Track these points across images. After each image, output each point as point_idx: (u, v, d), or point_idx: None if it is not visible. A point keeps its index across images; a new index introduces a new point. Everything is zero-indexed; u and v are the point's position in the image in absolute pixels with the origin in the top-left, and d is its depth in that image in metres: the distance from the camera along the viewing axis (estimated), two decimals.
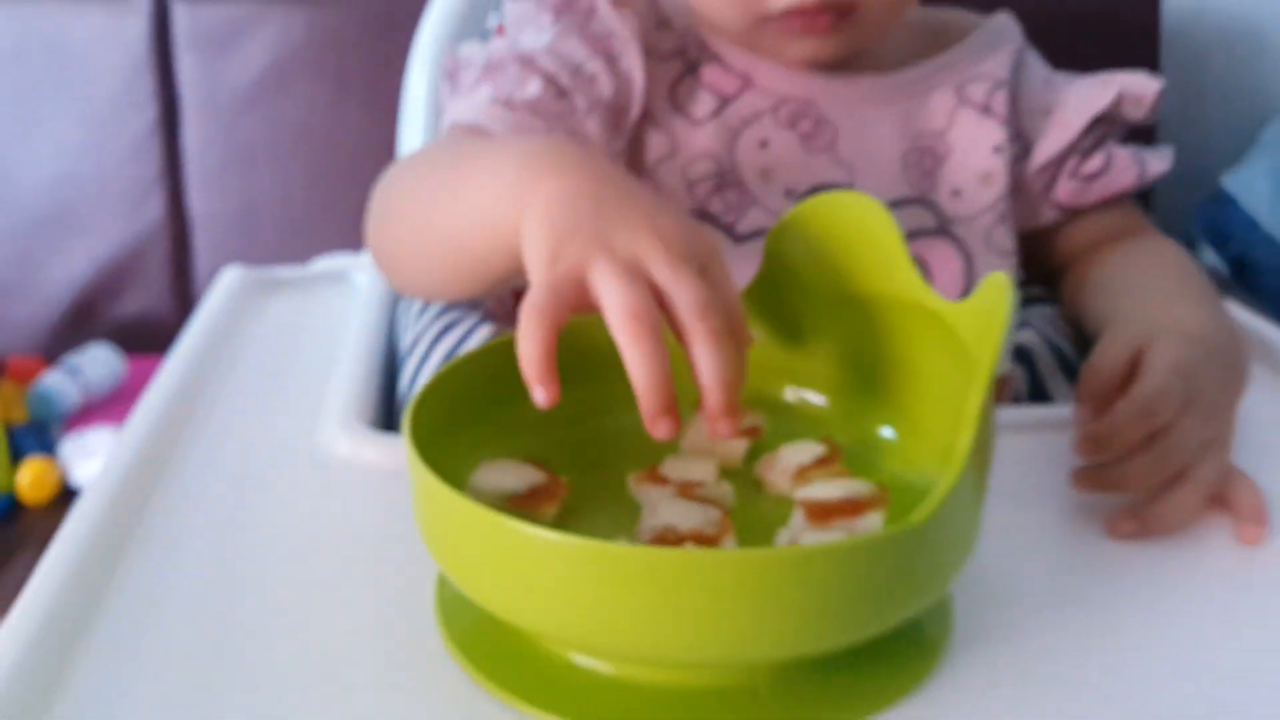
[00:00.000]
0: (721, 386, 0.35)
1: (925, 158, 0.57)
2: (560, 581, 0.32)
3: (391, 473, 0.45)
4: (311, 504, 0.45)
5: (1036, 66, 0.62)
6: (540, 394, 0.35)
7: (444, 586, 0.39)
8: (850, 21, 0.53)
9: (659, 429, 0.35)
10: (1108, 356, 0.44)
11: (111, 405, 1.27)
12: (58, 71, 1.41)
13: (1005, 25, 0.62)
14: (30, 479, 1.13)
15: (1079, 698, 0.35)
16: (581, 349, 0.42)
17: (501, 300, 0.59)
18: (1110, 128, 0.59)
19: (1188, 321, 0.48)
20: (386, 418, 0.55)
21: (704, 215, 0.55)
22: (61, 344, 1.43)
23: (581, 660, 0.35)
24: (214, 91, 1.42)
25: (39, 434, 1.21)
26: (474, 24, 0.79)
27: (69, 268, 1.44)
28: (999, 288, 0.34)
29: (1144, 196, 1.49)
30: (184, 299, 1.46)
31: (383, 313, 0.63)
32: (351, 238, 0.74)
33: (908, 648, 0.37)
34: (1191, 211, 1.50)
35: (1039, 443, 0.47)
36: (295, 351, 0.59)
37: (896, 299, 0.40)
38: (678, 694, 0.35)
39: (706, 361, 0.35)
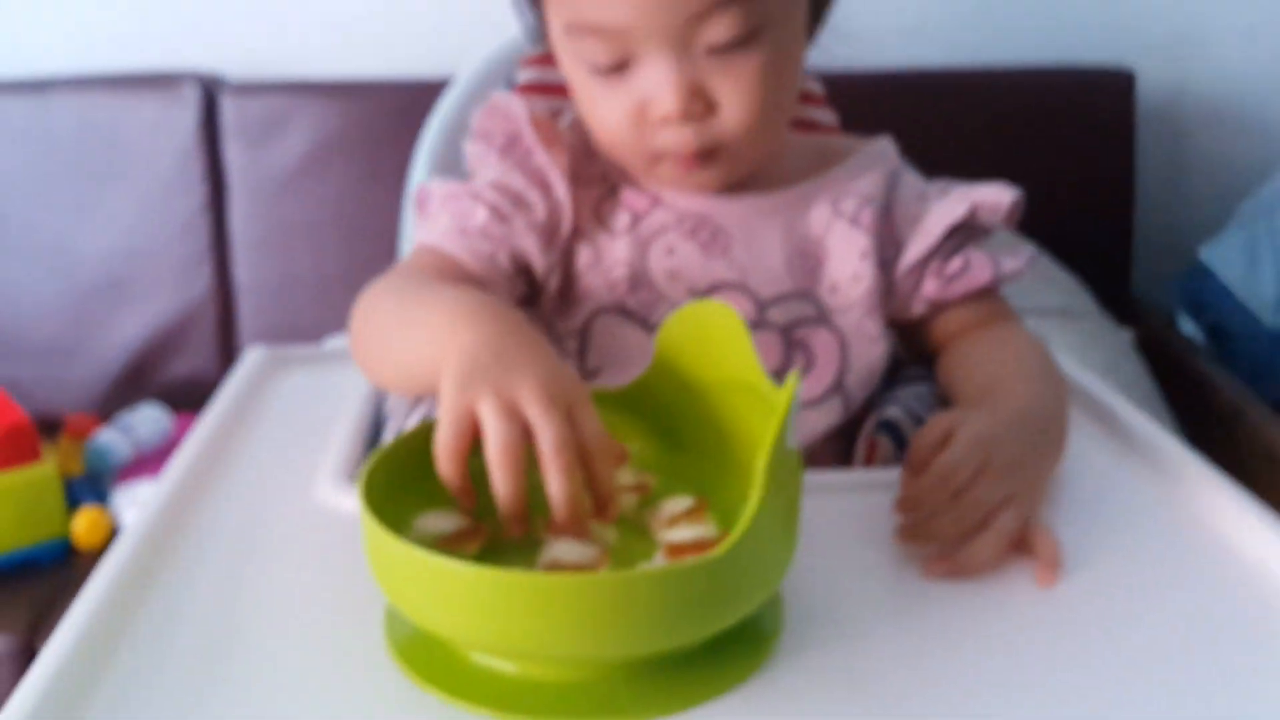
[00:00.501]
0: (565, 507, 0.46)
1: (807, 260, 0.68)
2: (464, 599, 0.42)
3: (355, 521, 0.56)
4: (304, 545, 0.55)
5: (912, 183, 0.71)
6: (456, 492, 0.47)
7: (390, 608, 0.49)
8: (718, 160, 0.63)
9: (512, 530, 0.46)
10: (924, 435, 0.54)
11: (160, 459, 1.38)
12: (115, 156, 1.54)
13: (883, 149, 0.72)
14: (84, 526, 1.24)
15: (887, 690, 0.45)
16: None
17: None
18: (969, 234, 0.68)
19: (1005, 400, 0.57)
20: None
21: (623, 311, 0.66)
22: (115, 403, 1.55)
23: (485, 661, 0.45)
24: (257, 175, 1.55)
25: (94, 485, 1.33)
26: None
27: (123, 333, 1.57)
28: (793, 379, 0.44)
29: (1125, 269, 1.57)
30: (228, 362, 1.58)
31: (371, 389, 0.73)
32: None
33: (741, 648, 0.46)
34: (1171, 282, 1.58)
35: (880, 501, 0.56)
36: (303, 419, 0.70)
37: (741, 382, 0.50)
38: (554, 686, 0.45)
39: (555, 488, 0.46)
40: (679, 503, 0.52)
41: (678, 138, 0.62)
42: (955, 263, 0.68)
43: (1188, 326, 1.53)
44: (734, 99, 0.61)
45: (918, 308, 0.69)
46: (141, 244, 1.55)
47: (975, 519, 0.51)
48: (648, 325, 0.66)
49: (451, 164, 0.96)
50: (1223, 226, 1.56)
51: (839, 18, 0.70)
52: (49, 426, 1.50)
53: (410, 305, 0.58)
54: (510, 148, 0.67)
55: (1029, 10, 1.60)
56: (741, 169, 0.66)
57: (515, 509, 0.46)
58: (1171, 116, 1.66)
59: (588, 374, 0.68)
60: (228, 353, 1.58)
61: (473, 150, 0.69)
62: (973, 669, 0.46)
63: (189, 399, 1.52)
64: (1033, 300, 1.37)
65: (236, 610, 0.50)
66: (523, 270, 0.67)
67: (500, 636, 0.43)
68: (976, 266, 0.68)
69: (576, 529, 0.46)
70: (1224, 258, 1.50)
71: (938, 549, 0.52)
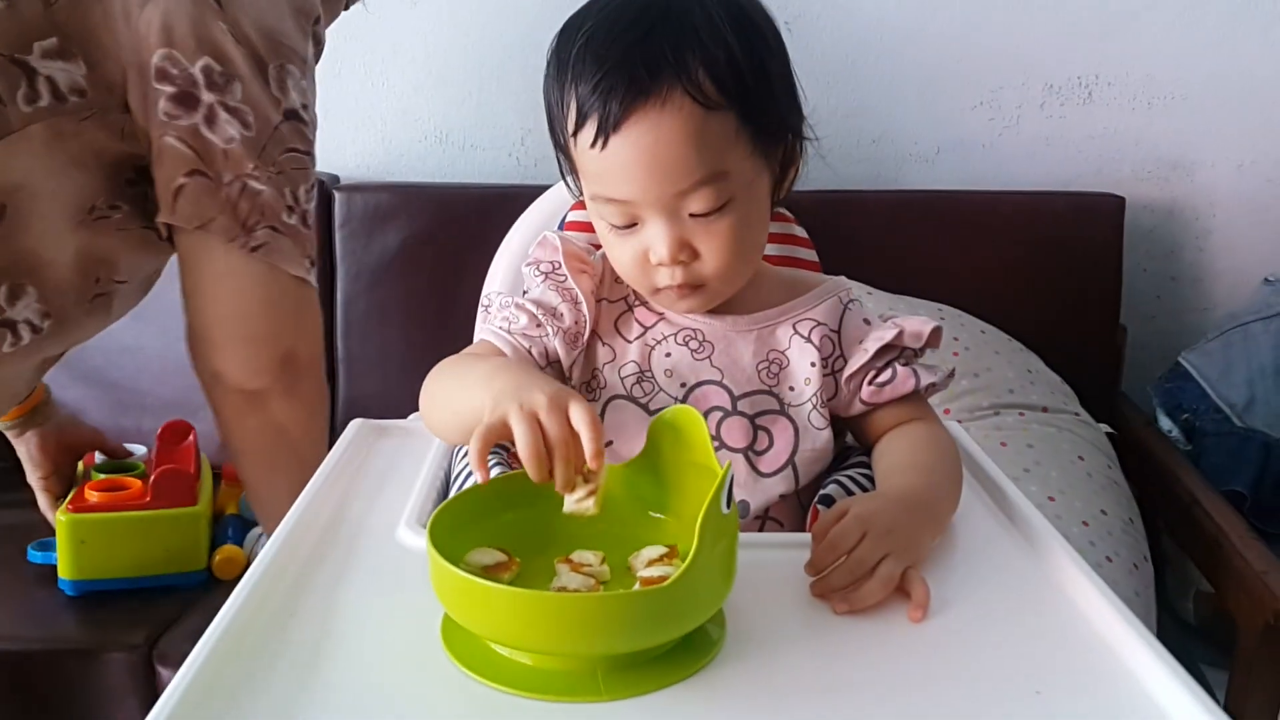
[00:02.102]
0: (564, 481, 0.69)
1: (771, 365, 0.88)
2: (499, 610, 0.64)
3: (423, 554, 0.78)
4: (386, 574, 0.76)
5: (858, 312, 0.91)
6: (478, 477, 0.69)
7: (446, 619, 0.71)
8: (702, 292, 0.85)
9: (539, 479, 0.68)
10: (826, 516, 0.74)
11: None
12: None
13: (838, 285, 0.92)
14: (221, 560, 1.46)
15: (798, 681, 0.64)
16: (535, 492, 0.75)
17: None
18: (899, 353, 0.88)
19: (893, 486, 0.78)
20: None
21: (629, 398, 0.88)
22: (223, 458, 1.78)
23: (511, 654, 0.67)
24: (361, 261, 1.79)
25: (241, 526, 1.53)
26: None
27: None
28: (726, 468, 0.66)
29: (1114, 371, 1.74)
30: (331, 425, 1.82)
31: (442, 452, 0.96)
32: None
33: (693, 651, 0.67)
34: (1153, 384, 1.74)
35: (800, 556, 0.76)
36: (390, 477, 0.91)
37: (702, 464, 0.72)
38: (559, 674, 0.64)
39: (558, 469, 0.69)
40: (655, 550, 0.73)
41: (669, 276, 0.84)
42: (885, 374, 0.88)
43: (1166, 424, 1.68)
44: (711, 250, 0.82)
45: (856, 407, 0.89)
46: None
47: (861, 573, 0.71)
48: (648, 410, 0.87)
49: (516, 279, 1.19)
50: (1202, 335, 1.74)
51: (866, 140, 0.90)
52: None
53: (464, 371, 0.83)
54: (552, 273, 0.90)
55: (1032, 141, 1.80)
56: (720, 297, 0.86)
57: (540, 475, 0.68)
58: (1160, 236, 1.83)
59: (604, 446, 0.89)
60: (330, 415, 1.82)
61: (525, 271, 0.93)
62: (859, 675, 0.65)
63: None
64: (1022, 397, 1.56)
65: (334, 620, 0.70)
66: (553, 363, 0.89)
67: (522, 637, 0.64)
68: (901, 378, 0.87)
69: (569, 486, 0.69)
70: (1202, 363, 1.67)
71: (839, 594, 0.72)
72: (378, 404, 1.69)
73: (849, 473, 0.88)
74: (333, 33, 1.85)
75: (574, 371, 0.91)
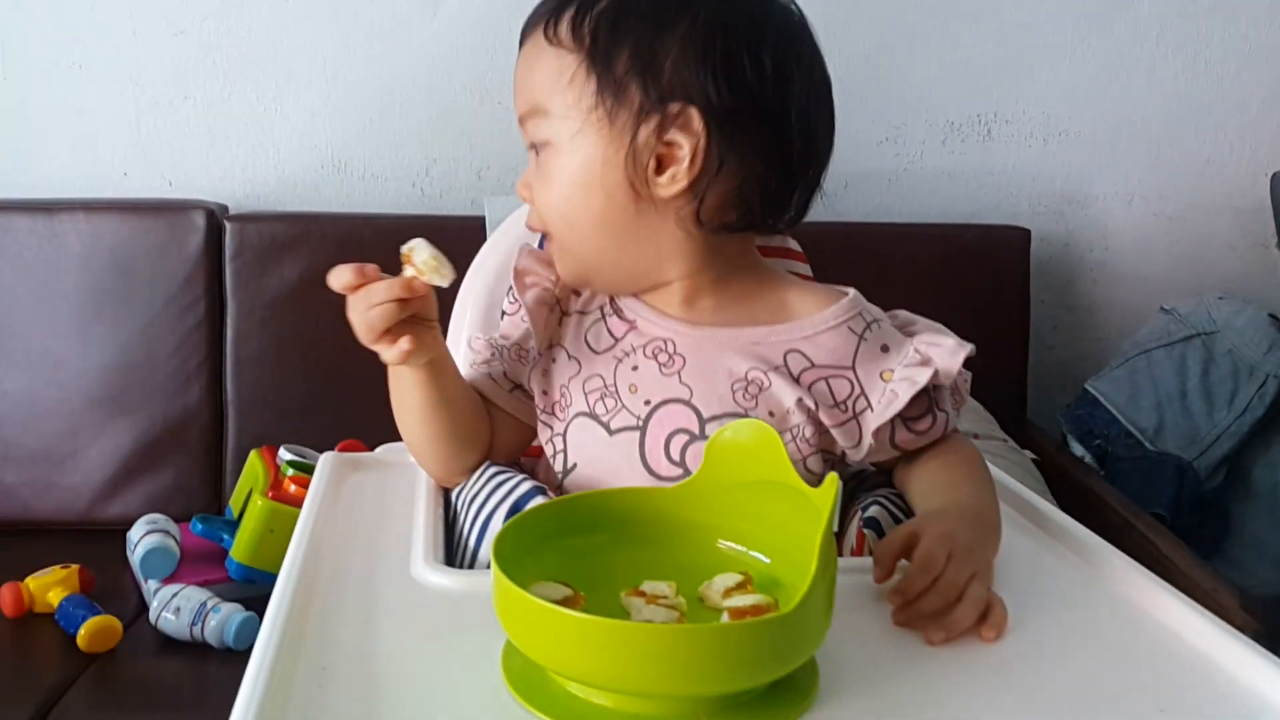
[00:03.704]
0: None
1: (751, 386, 0.79)
2: (586, 646, 0.57)
3: (452, 590, 0.71)
4: (412, 610, 0.69)
5: (878, 339, 0.82)
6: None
7: (509, 651, 0.64)
8: (552, 247, 0.83)
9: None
10: (887, 544, 0.70)
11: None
12: (121, 276, 1.65)
13: (850, 307, 0.83)
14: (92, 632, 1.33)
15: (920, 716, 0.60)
16: (588, 519, 0.69)
17: (546, 474, 0.85)
18: (931, 393, 0.82)
19: (958, 501, 0.75)
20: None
21: (591, 415, 0.81)
22: (102, 507, 1.63)
23: (585, 693, 0.59)
24: (254, 295, 1.68)
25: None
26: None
27: (116, 441, 1.64)
28: (832, 480, 0.61)
29: (1021, 399, 1.79)
30: (214, 470, 1.69)
31: (431, 489, 0.87)
32: (362, 425, 0.97)
33: (789, 695, 0.62)
34: (1062, 411, 1.79)
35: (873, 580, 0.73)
36: (376, 511, 0.84)
37: (778, 482, 0.67)
38: (639, 717, 0.59)
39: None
40: (729, 578, 0.67)
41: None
42: (924, 422, 0.82)
43: (1077, 449, 1.73)
44: (537, 192, 0.81)
45: (887, 453, 0.83)
46: (139, 358, 1.65)
47: (952, 596, 0.67)
48: (609, 429, 0.80)
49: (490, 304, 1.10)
50: (1105, 362, 1.80)
51: None
52: (36, 531, 1.58)
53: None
54: (510, 289, 0.86)
55: (935, 176, 1.84)
56: (567, 265, 0.83)
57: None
58: (1056, 268, 1.90)
59: (566, 470, 0.82)
60: (215, 461, 1.69)
61: (506, 307, 0.88)
62: (972, 703, 0.61)
63: (174, 504, 1.63)
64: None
65: (375, 672, 0.62)
66: (519, 386, 0.85)
67: (628, 677, 0.56)
68: (939, 423, 0.83)
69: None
70: (1109, 390, 1.72)
71: (930, 622, 0.67)
72: (275, 445, 1.57)
73: (882, 493, 0.84)
74: (222, 56, 1.74)
75: (535, 388, 0.85)
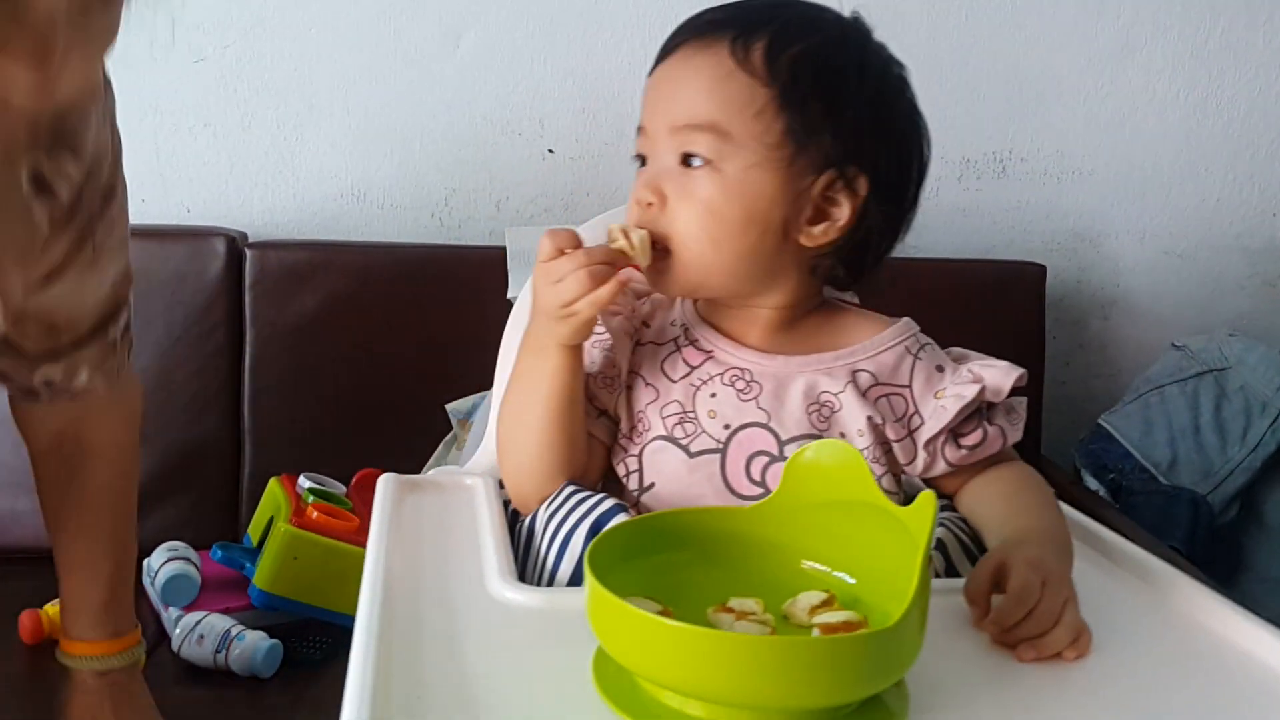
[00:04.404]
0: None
1: (823, 409, 0.82)
2: (685, 656, 0.57)
3: (533, 608, 0.71)
4: (494, 627, 0.69)
5: (931, 359, 0.85)
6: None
7: (599, 664, 0.63)
8: (667, 264, 0.81)
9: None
10: (975, 578, 0.71)
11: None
12: (140, 301, 1.62)
13: (905, 329, 0.87)
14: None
15: None
16: (670, 537, 0.69)
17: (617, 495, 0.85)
18: (981, 409, 0.84)
19: (1033, 525, 0.76)
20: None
21: (670, 439, 0.83)
22: None
23: (680, 704, 0.59)
24: (273, 323, 1.67)
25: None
26: None
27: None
28: (929, 499, 0.62)
29: (1035, 433, 1.80)
30: (231, 497, 1.68)
31: (494, 500, 0.87)
32: (378, 454, 0.97)
33: (879, 714, 0.62)
34: (1075, 446, 1.80)
35: (956, 602, 0.73)
36: (440, 531, 0.83)
37: (863, 502, 0.67)
38: None
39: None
40: (813, 596, 0.67)
41: (634, 216, 0.82)
42: (974, 436, 0.84)
43: (1091, 483, 1.75)
44: (679, 203, 0.79)
45: (940, 469, 0.84)
46: (156, 385, 1.61)
47: (1049, 624, 0.68)
48: (688, 451, 0.82)
49: None
50: (1116, 398, 1.82)
51: None
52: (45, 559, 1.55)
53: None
54: (605, 319, 0.86)
55: (950, 213, 1.86)
56: (686, 282, 0.82)
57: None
58: (1069, 305, 1.92)
59: (644, 489, 0.83)
60: (232, 489, 1.67)
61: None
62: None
63: (190, 531, 1.61)
64: None
65: (467, 690, 0.62)
66: (603, 412, 0.86)
67: (717, 686, 0.56)
68: (991, 438, 0.84)
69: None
70: (1122, 425, 1.74)
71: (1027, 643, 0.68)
72: (294, 474, 1.56)
73: (944, 516, 0.85)
74: (243, 84, 1.74)
75: (619, 414, 0.86)
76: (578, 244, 0.78)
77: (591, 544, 0.66)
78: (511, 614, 0.71)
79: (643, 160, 0.83)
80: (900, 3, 1.73)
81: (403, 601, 0.71)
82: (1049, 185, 1.86)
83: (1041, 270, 1.79)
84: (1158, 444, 1.69)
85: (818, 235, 0.81)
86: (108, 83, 0.92)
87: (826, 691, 0.58)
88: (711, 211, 0.79)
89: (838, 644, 0.57)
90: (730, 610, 0.66)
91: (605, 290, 0.77)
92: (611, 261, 0.78)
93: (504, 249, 1.66)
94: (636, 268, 0.82)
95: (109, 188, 0.93)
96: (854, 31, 0.83)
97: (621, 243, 0.79)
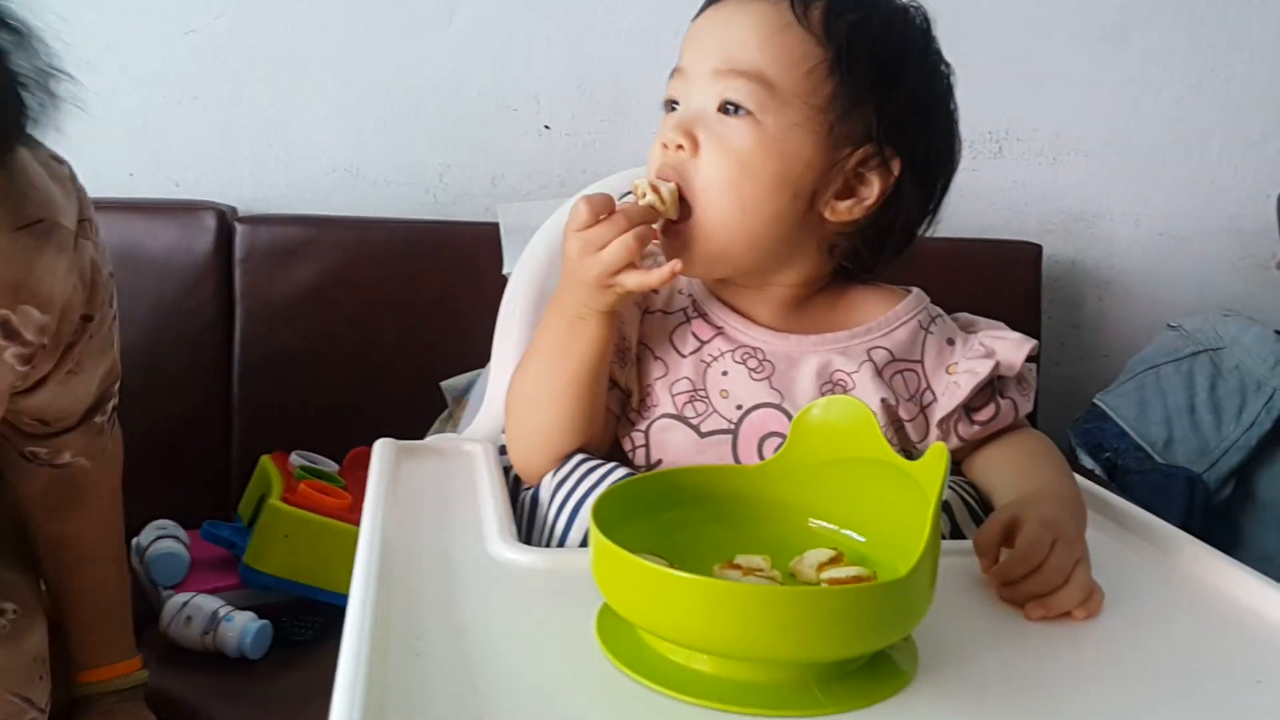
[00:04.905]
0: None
1: (836, 389, 0.81)
2: (693, 607, 0.56)
3: (536, 567, 0.70)
4: (496, 585, 0.68)
5: (943, 332, 0.85)
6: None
7: (603, 622, 0.62)
8: (685, 229, 0.79)
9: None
10: (986, 530, 0.70)
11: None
12: (127, 276, 1.57)
13: (916, 303, 0.86)
14: None
15: (1021, 686, 0.60)
16: (677, 495, 0.68)
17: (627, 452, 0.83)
18: (993, 382, 0.83)
19: (1047, 486, 0.75)
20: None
21: (680, 418, 0.81)
22: None
23: (685, 658, 0.58)
24: (263, 300, 1.63)
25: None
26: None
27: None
28: (940, 451, 0.60)
29: (1031, 414, 1.79)
30: (221, 472, 1.65)
31: (493, 465, 0.86)
32: (371, 432, 0.95)
33: (889, 669, 0.61)
34: (1070, 426, 1.79)
35: (963, 562, 0.73)
36: (438, 494, 0.82)
37: (872, 459, 0.66)
38: (743, 684, 0.57)
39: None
40: (821, 553, 0.66)
41: (660, 157, 0.79)
42: (987, 410, 0.83)
43: (1087, 462, 1.74)
44: (710, 150, 0.76)
45: (953, 443, 0.83)
46: (144, 361, 1.58)
47: (1058, 582, 0.67)
48: (699, 431, 0.81)
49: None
50: (1111, 378, 1.81)
51: None
52: None
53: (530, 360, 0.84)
54: None
55: (954, 192, 1.85)
56: (705, 252, 0.78)
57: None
58: (1064, 285, 1.92)
59: (650, 466, 0.82)
60: (222, 467, 1.65)
61: None
62: (1074, 675, 0.62)
63: (179, 509, 1.58)
64: None
65: (466, 648, 0.61)
66: (614, 383, 0.83)
67: (724, 638, 0.55)
68: (1004, 412, 0.83)
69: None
70: (1118, 404, 1.74)
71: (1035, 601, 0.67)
72: (285, 451, 1.55)
73: (950, 480, 0.83)
74: (234, 56, 1.72)
75: (630, 387, 0.84)
76: (613, 208, 0.76)
77: (596, 499, 0.65)
78: (514, 574, 0.70)
79: (672, 106, 0.80)
80: None
81: (400, 563, 0.70)
82: (1045, 166, 1.86)
83: (1037, 250, 1.79)
84: (1153, 423, 1.69)
85: (842, 211, 0.79)
86: (84, 225, 1.00)
87: (836, 644, 0.57)
88: (744, 165, 0.76)
89: (849, 595, 0.56)
90: (737, 567, 0.65)
91: (656, 275, 0.75)
92: (649, 220, 0.76)
93: (498, 225, 1.64)
94: (670, 222, 0.79)
95: (87, 316, 0.99)
96: (917, 15, 0.82)
97: (651, 198, 0.76)
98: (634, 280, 0.75)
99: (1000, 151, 1.85)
